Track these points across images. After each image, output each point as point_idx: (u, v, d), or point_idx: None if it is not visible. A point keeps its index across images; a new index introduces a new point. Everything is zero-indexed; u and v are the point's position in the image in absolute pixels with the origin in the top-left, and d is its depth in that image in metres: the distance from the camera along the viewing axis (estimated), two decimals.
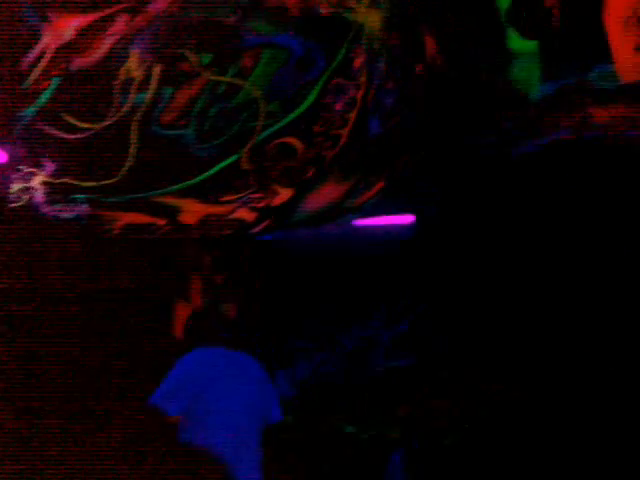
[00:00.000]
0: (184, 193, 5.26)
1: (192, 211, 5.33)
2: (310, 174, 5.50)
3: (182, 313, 5.64)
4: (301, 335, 5.63)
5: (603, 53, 5.49)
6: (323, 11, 5.38)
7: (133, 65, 5.04)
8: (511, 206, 5.78)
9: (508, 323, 5.69)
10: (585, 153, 5.72)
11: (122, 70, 5.12)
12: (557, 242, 5.82)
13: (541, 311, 5.72)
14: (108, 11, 4.98)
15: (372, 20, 5.49)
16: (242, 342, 5.18)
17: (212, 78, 5.14)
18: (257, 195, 5.33)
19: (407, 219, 5.88)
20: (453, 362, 5.59)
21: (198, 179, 5.24)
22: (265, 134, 5.38)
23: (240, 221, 5.40)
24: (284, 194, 5.48)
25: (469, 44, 5.74)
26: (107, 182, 5.28)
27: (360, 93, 5.41)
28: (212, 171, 5.22)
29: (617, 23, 5.46)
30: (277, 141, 5.42)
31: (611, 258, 5.74)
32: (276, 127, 5.39)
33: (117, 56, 5.08)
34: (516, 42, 5.68)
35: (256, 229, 5.51)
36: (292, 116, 5.41)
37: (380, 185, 5.61)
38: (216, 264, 5.75)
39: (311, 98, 5.39)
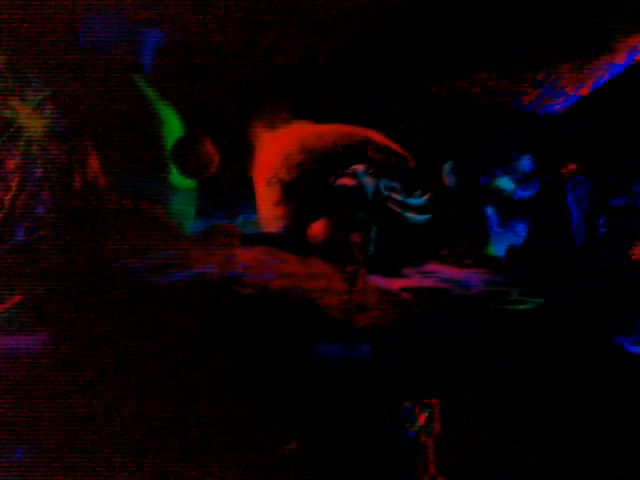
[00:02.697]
0: None
1: None
2: None
3: None
4: None
5: (250, 203, 3.94)
6: None
7: None
8: (157, 330, 3.13)
9: None
10: (227, 289, 3.59)
11: None
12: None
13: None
14: None
15: (34, 125, 3.17)
16: None
17: None
18: None
19: (41, 338, 2.90)
20: None
21: None
22: None
23: None
24: None
25: (133, 171, 3.63)
26: None
27: (9, 196, 2.55)
28: None
29: (263, 181, 3.95)
30: None
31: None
32: None
33: None
34: (177, 178, 3.83)
35: None
36: None
37: (15, 299, 2.67)
38: None
39: None
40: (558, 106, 4.37)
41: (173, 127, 3.69)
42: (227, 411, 3.19)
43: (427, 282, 3.90)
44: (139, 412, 3.14)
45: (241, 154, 3.84)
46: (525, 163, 4.31)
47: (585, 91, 4.23)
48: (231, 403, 3.11)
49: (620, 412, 3.45)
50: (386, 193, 4.00)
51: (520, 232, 4.20)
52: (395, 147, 4.05)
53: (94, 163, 3.43)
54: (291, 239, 3.81)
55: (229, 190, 3.85)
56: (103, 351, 3.21)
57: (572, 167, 4.41)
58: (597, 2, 3.37)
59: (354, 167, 3.94)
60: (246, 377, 3.24)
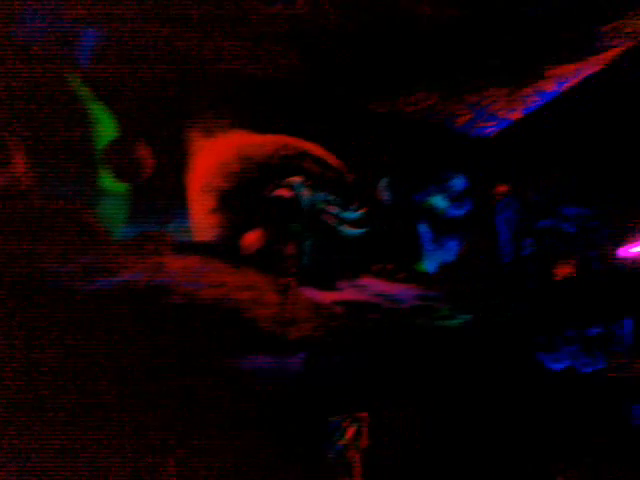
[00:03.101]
0: None
1: None
2: None
3: None
4: None
5: (183, 211, 3.77)
6: None
7: None
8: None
9: None
10: (155, 298, 3.49)
11: None
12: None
13: None
14: None
15: None
16: None
17: None
18: None
19: None
20: None
21: None
22: None
23: None
24: None
25: (61, 172, 3.41)
26: None
27: None
28: None
29: (197, 188, 3.83)
30: None
31: None
32: None
33: None
34: (108, 182, 3.61)
35: None
36: None
37: None
38: None
39: None
40: (490, 129, 4.50)
41: (106, 129, 3.56)
42: (151, 423, 3.08)
43: (360, 296, 3.91)
44: (54, 423, 3.00)
45: (176, 160, 3.75)
46: (458, 183, 4.41)
47: (516, 116, 4.37)
48: (156, 413, 3.00)
49: (541, 425, 3.55)
50: (322, 206, 4.00)
51: (451, 249, 4.29)
52: (333, 161, 4.06)
53: (20, 162, 3.27)
54: (224, 249, 3.75)
55: (162, 196, 3.74)
56: (22, 359, 3.05)
57: (502, 188, 4.54)
58: (529, 32, 3.50)
59: (291, 179, 3.92)
60: (173, 388, 3.14)
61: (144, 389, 3.16)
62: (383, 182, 4.20)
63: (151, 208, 3.76)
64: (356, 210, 4.07)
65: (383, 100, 4.09)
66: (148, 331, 3.36)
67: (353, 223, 4.05)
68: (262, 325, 3.67)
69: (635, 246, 4.12)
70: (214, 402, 3.28)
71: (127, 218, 3.67)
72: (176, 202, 3.80)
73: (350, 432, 3.26)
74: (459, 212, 4.34)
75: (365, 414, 3.31)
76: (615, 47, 3.68)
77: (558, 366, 4.06)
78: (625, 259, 4.15)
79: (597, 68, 3.85)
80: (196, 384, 3.27)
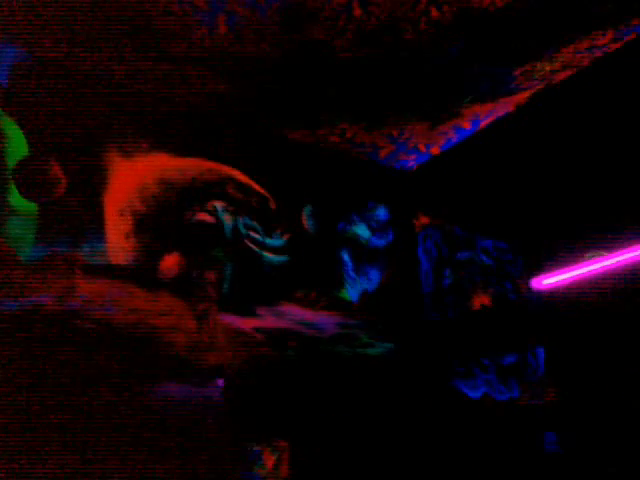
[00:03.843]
0: None
1: None
2: None
3: None
4: None
5: (98, 232, 3.62)
6: None
7: None
8: None
9: None
10: (65, 322, 3.33)
11: None
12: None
13: None
14: None
15: None
16: None
17: None
18: None
19: None
20: None
21: None
22: None
23: None
24: None
25: None
26: None
27: None
28: None
29: (114, 210, 3.71)
30: None
31: None
32: None
33: None
34: (17, 199, 3.44)
35: None
36: None
37: None
38: None
39: None
40: (411, 162, 4.60)
41: (17, 145, 3.39)
42: (58, 449, 2.89)
43: (280, 323, 3.85)
44: None
45: (91, 180, 3.61)
46: (381, 213, 4.46)
47: (435, 151, 4.50)
48: (65, 445, 2.81)
49: (459, 452, 3.56)
50: (244, 232, 3.95)
51: (373, 278, 4.31)
52: (256, 187, 4.03)
53: None
54: (140, 272, 3.62)
55: (75, 217, 3.58)
56: None
57: (423, 220, 4.63)
58: (445, 71, 3.61)
59: (213, 203, 3.85)
60: (81, 415, 2.96)
61: (50, 415, 2.96)
62: (307, 210, 4.20)
63: (62, 229, 3.59)
64: (279, 237, 4.04)
65: (307, 129, 4.11)
66: (56, 357, 3.17)
67: (275, 250, 4.01)
68: (178, 351, 3.54)
69: (547, 278, 4.27)
70: (125, 431, 3.11)
71: (36, 238, 3.48)
72: (90, 223, 3.65)
73: (270, 461, 3.16)
74: (381, 242, 4.39)
75: (285, 443, 3.22)
76: (526, 89, 3.86)
77: (475, 393, 4.12)
78: (538, 291, 4.29)
79: (509, 109, 4.04)
80: (106, 412, 3.09)
